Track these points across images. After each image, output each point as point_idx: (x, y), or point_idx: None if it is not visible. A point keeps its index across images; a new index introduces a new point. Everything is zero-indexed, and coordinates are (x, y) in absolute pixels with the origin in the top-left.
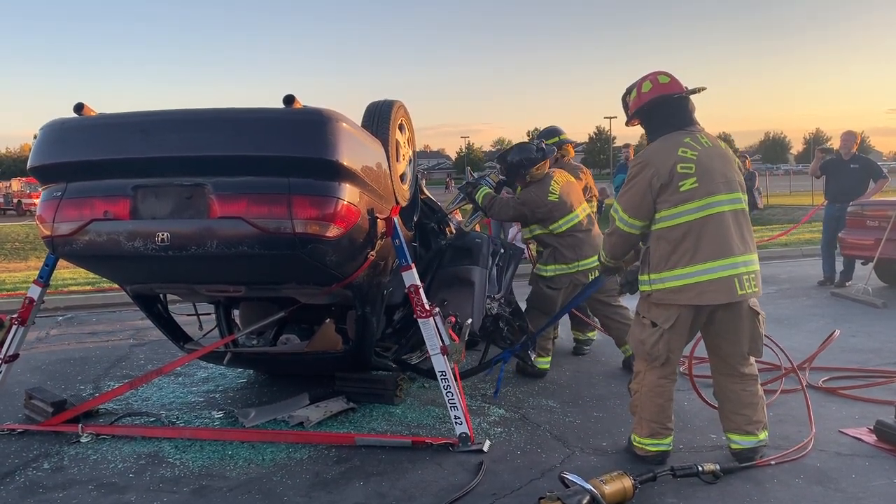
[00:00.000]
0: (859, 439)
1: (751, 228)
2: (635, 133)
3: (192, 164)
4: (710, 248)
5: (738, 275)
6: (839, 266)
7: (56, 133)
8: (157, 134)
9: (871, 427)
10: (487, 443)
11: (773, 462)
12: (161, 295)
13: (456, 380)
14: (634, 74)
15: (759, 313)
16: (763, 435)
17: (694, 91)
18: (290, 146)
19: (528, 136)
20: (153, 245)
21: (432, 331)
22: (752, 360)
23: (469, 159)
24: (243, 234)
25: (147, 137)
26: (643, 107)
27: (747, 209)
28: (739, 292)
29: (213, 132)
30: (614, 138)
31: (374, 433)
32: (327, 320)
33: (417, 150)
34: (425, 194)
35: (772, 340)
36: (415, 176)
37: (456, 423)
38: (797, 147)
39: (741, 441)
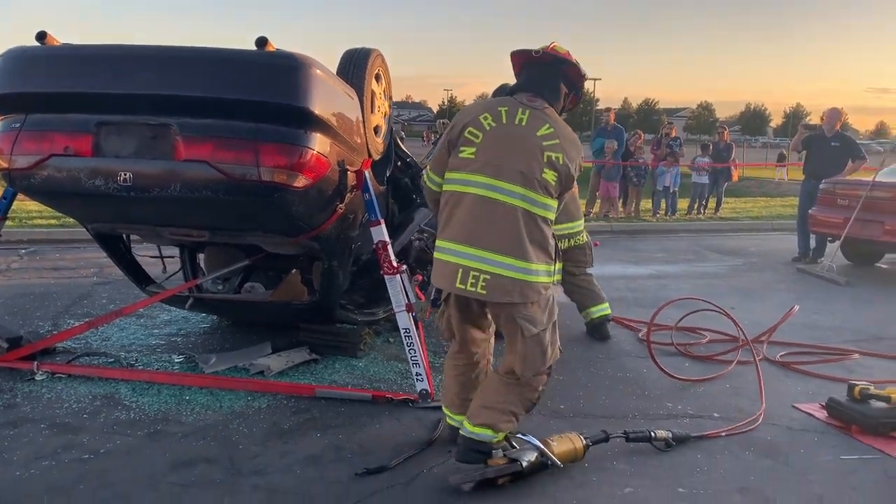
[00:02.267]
0: (811, 415)
1: (540, 235)
2: (619, 96)
3: (159, 102)
4: (456, 227)
5: (465, 267)
6: (813, 243)
7: (16, 61)
8: (124, 69)
9: (823, 403)
10: None
11: (724, 434)
12: (123, 235)
13: (419, 337)
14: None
15: (523, 332)
16: (479, 430)
17: (536, 52)
18: (259, 90)
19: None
20: (115, 184)
21: (398, 288)
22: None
23: (450, 113)
24: (208, 179)
25: (113, 72)
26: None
27: (538, 212)
28: (458, 285)
29: (182, 71)
30: (597, 100)
31: (334, 385)
32: (293, 270)
33: (399, 100)
34: (401, 148)
35: (725, 314)
36: (390, 129)
37: (417, 379)
38: (777, 120)
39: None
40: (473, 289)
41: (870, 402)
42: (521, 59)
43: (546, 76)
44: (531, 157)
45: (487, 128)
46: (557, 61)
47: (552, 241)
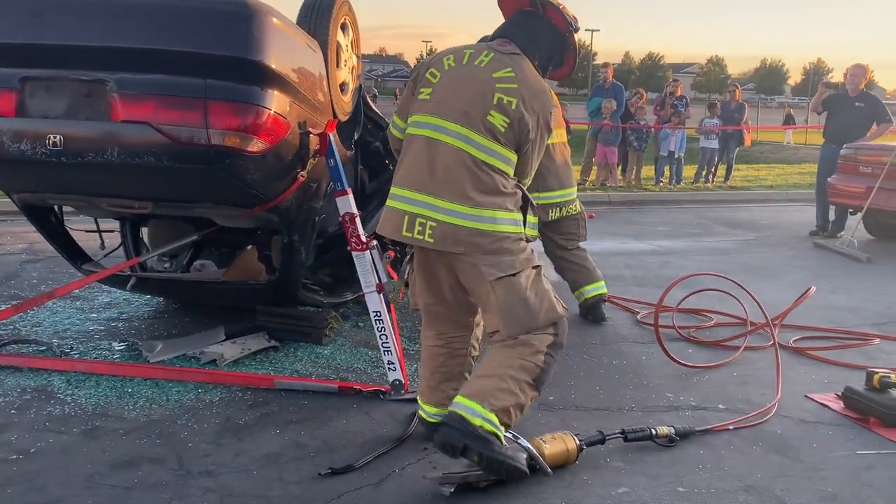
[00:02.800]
0: (825, 406)
1: (491, 181)
2: (619, 50)
3: (93, 55)
4: (404, 172)
5: (412, 214)
6: (832, 215)
7: None
8: (52, 17)
9: (839, 393)
10: None
11: (731, 427)
12: (55, 207)
13: (392, 321)
14: None
15: (486, 277)
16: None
17: None
18: (207, 41)
19: None
20: (43, 149)
21: (367, 266)
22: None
23: None
24: (150, 143)
25: (39, 20)
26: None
27: (482, 157)
28: (404, 233)
29: (119, 19)
30: (595, 55)
31: (296, 376)
32: (249, 246)
33: (370, 53)
34: (371, 108)
35: (748, 292)
36: (358, 86)
37: (389, 368)
38: (795, 77)
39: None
40: (421, 237)
41: (890, 391)
42: (510, 8)
43: (524, 22)
44: (478, 96)
45: (446, 68)
46: (538, 5)
47: (513, 189)
